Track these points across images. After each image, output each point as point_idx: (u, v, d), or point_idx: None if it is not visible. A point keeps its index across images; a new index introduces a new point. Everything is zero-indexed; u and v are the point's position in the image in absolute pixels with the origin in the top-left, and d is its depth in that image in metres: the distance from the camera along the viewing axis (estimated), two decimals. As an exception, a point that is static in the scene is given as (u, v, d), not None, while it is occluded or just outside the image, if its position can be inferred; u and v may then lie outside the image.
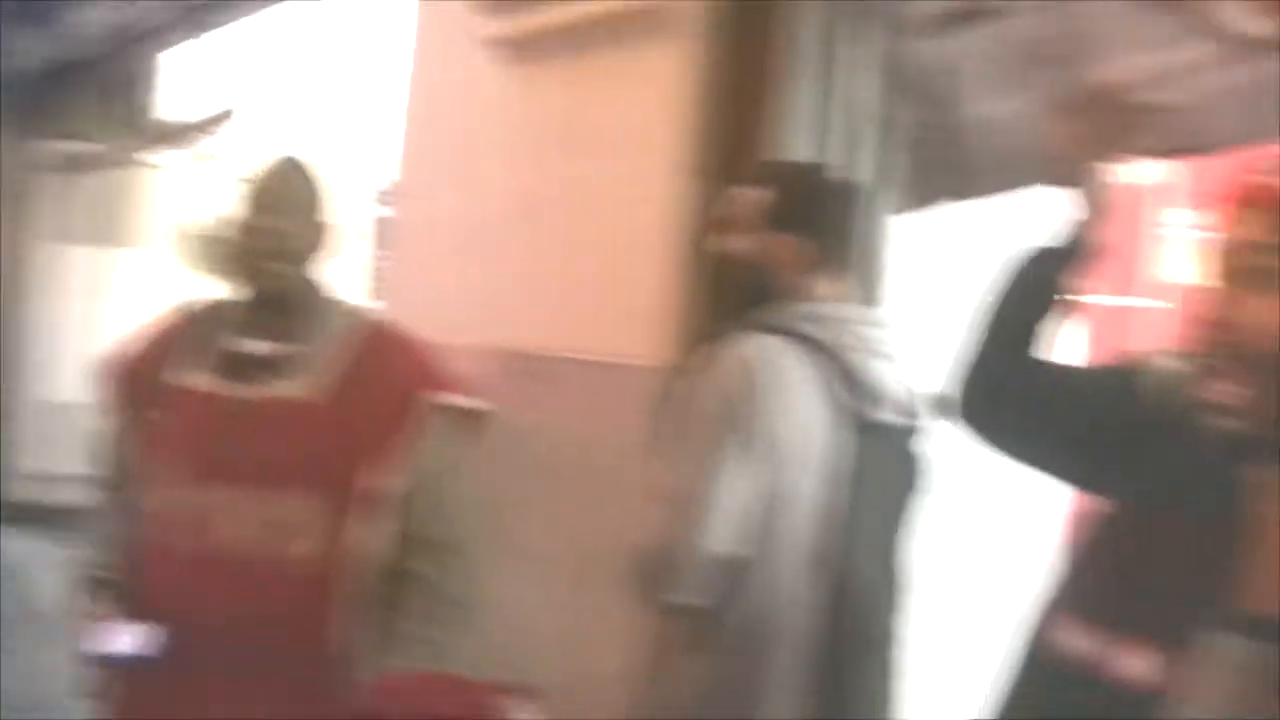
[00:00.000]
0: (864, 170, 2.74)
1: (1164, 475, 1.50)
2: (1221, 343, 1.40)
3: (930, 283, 2.79)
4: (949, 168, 1.99)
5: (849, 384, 2.38)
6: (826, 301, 2.44)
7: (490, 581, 3.09)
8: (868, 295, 2.79)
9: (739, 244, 2.49)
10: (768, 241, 2.45)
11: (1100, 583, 1.45)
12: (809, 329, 2.38)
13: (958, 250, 2.46)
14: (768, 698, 2.32)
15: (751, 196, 2.49)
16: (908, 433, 2.45)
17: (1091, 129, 1.80)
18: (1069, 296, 1.78)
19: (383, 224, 4.15)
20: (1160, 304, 3.25)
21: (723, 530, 2.27)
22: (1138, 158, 1.88)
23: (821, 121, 2.84)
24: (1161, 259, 3.30)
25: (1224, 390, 1.37)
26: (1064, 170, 1.80)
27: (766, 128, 2.90)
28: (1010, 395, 1.79)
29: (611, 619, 2.63)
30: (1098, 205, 1.78)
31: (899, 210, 2.07)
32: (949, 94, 1.97)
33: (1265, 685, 1.29)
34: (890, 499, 2.47)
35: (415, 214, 3.86)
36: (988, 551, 2.72)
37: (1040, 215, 1.85)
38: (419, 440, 2.42)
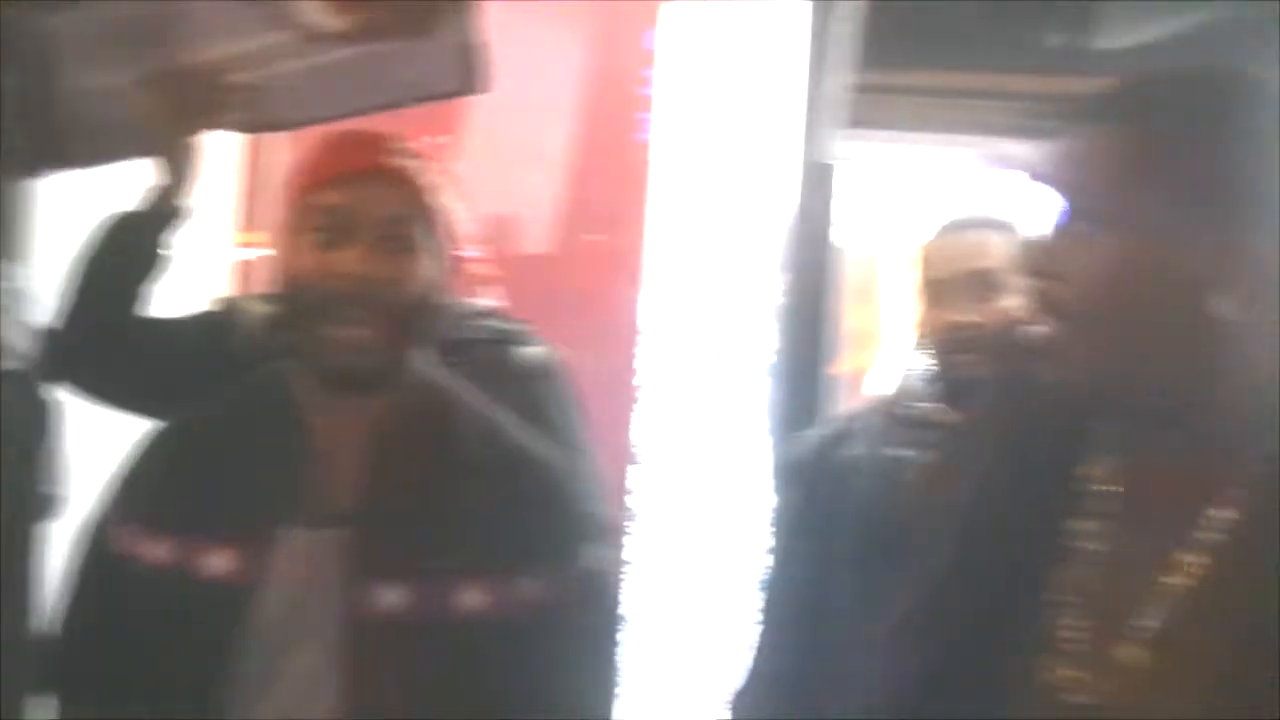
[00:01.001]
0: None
1: (227, 396, 1.70)
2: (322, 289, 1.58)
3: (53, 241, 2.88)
4: (53, 137, 2.10)
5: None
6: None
7: None
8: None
9: None
10: None
11: (173, 491, 1.59)
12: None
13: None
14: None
15: None
16: (30, 379, 2.56)
17: (177, 105, 2.01)
18: (158, 253, 1.98)
19: None
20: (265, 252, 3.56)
21: None
22: (220, 131, 2.12)
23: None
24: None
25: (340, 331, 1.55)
26: (152, 142, 2.01)
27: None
28: (95, 349, 1.96)
29: None
30: (182, 173, 2.00)
31: (19, 175, 2.15)
32: (51, 64, 2.08)
33: (332, 566, 1.52)
34: (18, 442, 2.56)
35: None
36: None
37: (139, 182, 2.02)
38: None
